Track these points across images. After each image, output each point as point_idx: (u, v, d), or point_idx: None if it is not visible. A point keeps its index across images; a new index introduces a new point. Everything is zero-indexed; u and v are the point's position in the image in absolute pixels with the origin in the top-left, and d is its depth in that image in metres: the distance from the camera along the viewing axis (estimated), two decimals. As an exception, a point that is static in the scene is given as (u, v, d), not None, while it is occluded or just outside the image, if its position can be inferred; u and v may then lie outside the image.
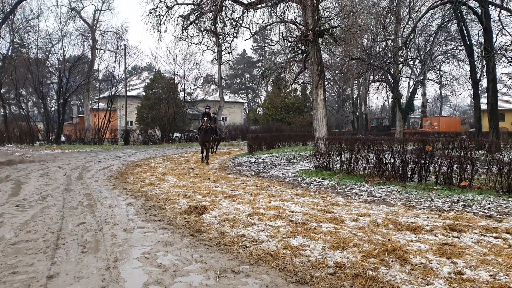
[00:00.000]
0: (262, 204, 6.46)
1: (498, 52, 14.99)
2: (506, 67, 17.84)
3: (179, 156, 17.40)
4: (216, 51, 24.58)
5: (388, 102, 42.94)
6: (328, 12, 14.52)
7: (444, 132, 33.41)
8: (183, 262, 3.91)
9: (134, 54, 41.57)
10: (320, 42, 13.75)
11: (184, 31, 15.44)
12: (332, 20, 14.76)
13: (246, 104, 57.11)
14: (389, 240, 4.41)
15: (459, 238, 4.55)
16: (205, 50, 27.89)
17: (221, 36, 16.40)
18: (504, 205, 6.14)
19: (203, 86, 39.14)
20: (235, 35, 15.68)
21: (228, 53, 17.44)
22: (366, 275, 3.42)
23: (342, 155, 10.10)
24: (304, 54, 15.26)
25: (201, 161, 14.13)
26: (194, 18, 15.27)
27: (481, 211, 5.95)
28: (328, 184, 8.85)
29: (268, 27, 15.19)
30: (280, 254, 4.05)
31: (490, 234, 4.65)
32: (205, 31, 15.49)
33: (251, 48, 61.06)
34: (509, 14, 15.02)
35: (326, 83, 39.39)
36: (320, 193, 7.80)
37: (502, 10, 14.59)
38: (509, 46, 14.21)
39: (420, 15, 16.17)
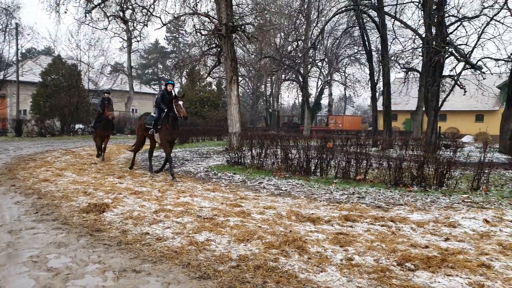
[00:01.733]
0: (170, 201, 6.32)
1: (392, 58, 16.73)
2: (399, 72, 20.22)
3: (81, 150, 16.11)
4: (125, 38, 23.25)
5: (298, 100, 45.23)
6: (242, 9, 14.69)
7: (347, 130, 36.25)
8: (78, 264, 3.64)
9: (28, 35, 37.15)
10: (233, 37, 13.85)
11: (87, 14, 14.26)
12: (246, 17, 14.97)
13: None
14: (290, 231, 4.64)
15: (352, 227, 4.98)
16: (113, 37, 26.31)
17: (130, 23, 15.56)
18: (391, 196, 6.89)
19: (110, 75, 36.80)
20: (145, 23, 15.01)
21: (138, 41, 16.64)
22: (267, 266, 3.56)
23: (253, 150, 10.36)
24: (219, 49, 15.26)
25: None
26: (100, 1, 14.21)
27: (372, 202, 6.59)
28: (239, 178, 9.00)
29: (182, 17, 14.83)
30: (185, 250, 4.01)
31: (378, 223, 5.17)
32: (111, 16, 14.52)
33: (164, 38, 59.10)
34: (402, 26, 16.83)
35: (241, 79, 40.07)
36: (231, 188, 7.90)
37: (396, 21, 16.32)
38: (401, 54, 15.95)
39: (328, 19, 17.29)
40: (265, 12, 15.19)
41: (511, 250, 4.08)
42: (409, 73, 19.33)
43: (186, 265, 3.63)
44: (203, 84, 34.79)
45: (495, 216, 5.44)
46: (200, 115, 33.18)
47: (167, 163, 9.28)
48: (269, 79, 39.41)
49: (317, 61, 23.11)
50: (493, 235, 4.68)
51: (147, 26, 15.15)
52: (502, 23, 13.99)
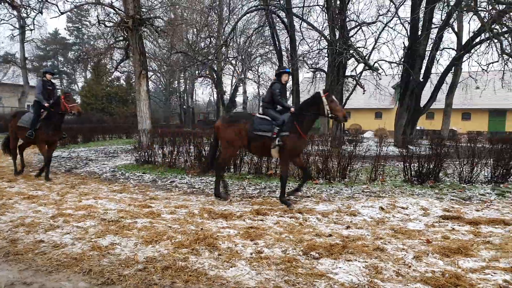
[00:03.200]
0: (71, 204, 5.80)
1: (300, 58, 17.55)
2: (308, 72, 21.48)
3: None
4: (17, 26, 20.76)
5: (213, 97, 45.10)
6: (151, 1, 14.11)
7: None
8: (-48, 283, 3.13)
9: None
10: (142, 31, 13.23)
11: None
12: (156, 10, 14.41)
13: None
14: (202, 229, 4.57)
15: (263, 221, 5.09)
16: (1, 23, 23.11)
17: (22, 9, 13.92)
18: (299, 189, 7.20)
19: (0, 67, 32.61)
20: (40, 10, 13.53)
21: (31, 30, 14.97)
22: (176, 266, 3.45)
23: (165, 148, 10.02)
24: (126, 42, 14.46)
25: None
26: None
27: (282, 195, 6.81)
28: (149, 178, 8.64)
29: (84, 6, 13.72)
30: (86, 256, 3.69)
31: (287, 215, 5.37)
32: (-1, 0, 12.84)
33: (65, 28, 54.11)
34: (309, 28, 17.74)
35: (152, 74, 38.60)
36: (140, 188, 7.54)
37: (303, 23, 17.15)
38: (308, 54, 16.82)
39: (239, 17, 17.47)
40: (176, 6, 14.81)
41: (401, 234, 4.55)
42: (317, 73, 20.46)
43: (87, 272, 3.36)
44: (110, 78, 32.76)
45: (389, 204, 6.01)
46: (107, 111, 31.24)
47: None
48: (183, 75, 38.63)
49: (230, 59, 23.29)
50: (387, 221, 5.17)
51: (41, 13, 13.68)
52: (394, 29, 15.60)
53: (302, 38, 16.15)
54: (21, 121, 8.20)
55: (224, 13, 22.22)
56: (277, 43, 18.38)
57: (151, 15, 13.33)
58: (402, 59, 15.18)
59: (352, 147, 9.07)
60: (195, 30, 22.77)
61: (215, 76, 27.19)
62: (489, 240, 4.27)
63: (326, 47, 15.72)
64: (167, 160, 9.79)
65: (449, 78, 20.43)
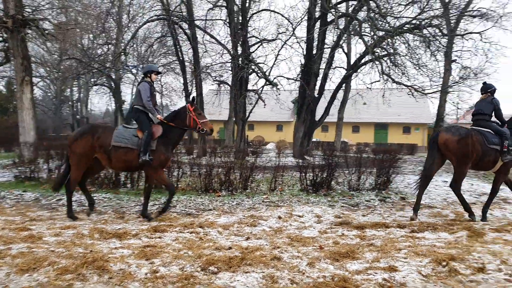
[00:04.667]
0: None
1: (204, 70, 17.59)
2: (212, 84, 21.60)
3: None
4: None
5: (111, 106, 42.45)
6: (38, 2, 12.79)
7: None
8: None
9: None
10: (25, 33, 11.88)
11: None
12: (43, 11, 13.08)
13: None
14: (91, 251, 4.17)
15: (161, 238, 4.85)
16: None
17: None
18: (201, 203, 7.09)
19: None
20: None
21: None
22: (56, 297, 3.06)
23: (50, 163, 9.03)
24: (7, 44, 12.85)
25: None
26: None
27: (183, 210, 6.63)
28: (30, 197, 7.66)
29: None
30: None
31: (187, 230, 5.21)
32: None
33: None
34: (213, 41, 17.90)
35: (40, 80, 34.87)
36: (19, 209, 6.65)
37: (207, 35, 17.26)
38: (211, 66, 16.95)
39: (139, 25, 16.82)
40: (69, 9, 13.67)
41: (297, 241, 4.74)
42: (221, 85, 20.69)
43: None
44: (-13, 84, 28.73)
45: (286, 212, 6.25)
46: (-16, 121, 27.24)
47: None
48: (76, 83, 35.69)
49: (130, 67, 22.26)
50: (284, 230, 5.36)
51: None
52: (292, 47, 16.61)
53: (205, 50, 16.21)
54: (118, 139, 5.83)
55: (124, 21, 21.25)
56: (180, 53, 18.13)
57: (37, 16, 12.04)
58: (299, 76, 16.19)
59: (254, 159, 9.28)
60: (91, 35, 21.28)
61: (113, 85, 25.67)
62: (372, 242, 4.69)
63: (230, 61, 16.02)
64: (53, 177, 8.82)
65: (340, 94, 22.43)
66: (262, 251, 4.27)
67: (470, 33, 18.37)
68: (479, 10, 17.94)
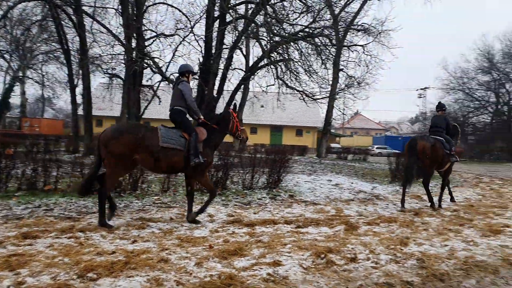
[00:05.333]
0: None
1: (92, 61, 16.25)
2: (103, 77, 19.88)
3: None
4: None
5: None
6: None
7: (46, 134, 32.46)
8: None
9: None
10: None
11: None
12: None
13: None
14: None
15: (31, 245, 4.29)
16: None
17: None
18: (83, 205, 6.50)
19: None
20: None
21: None
22: None
23: None
24: None
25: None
26: None
27: (61, 213, 5.98)
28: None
29: None
30: None
31: (65, 235, 4.70)
32: None
33: None
34: (104, 31, 16.60)
35: None
36: None
37: (96, 24, 15.92)
38: (101, 58, 15.74)
39: (13, 4, 14.69)
40: None
41: (187, 242, 4.64)
42: (113, 79, 19.39)
43: None
44: None
45: (178, 213, 6.11)
46: None
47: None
48: None
49: (2, 52, 19.45)
50: (175, 231, 5.21)
51: None
52: (190, 44, 16.39)
53: (93, 40, 14.96)
54: (166, 140, 5.37)
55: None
56: (64, 41, 16.45)
57: None
58: (197, 74, 16.05)
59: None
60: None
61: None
62: (261, 239, 4.84)
63: (123, 53, 15.09)
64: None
65: (239, 96, 22.92)
66: (149, 254, 4.08)
67: (355, 45, 20.51)
68: (363, 25, 20.17)
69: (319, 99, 16.83)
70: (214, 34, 16.08)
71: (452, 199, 8.76)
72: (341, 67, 20.66)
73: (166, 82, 15.83)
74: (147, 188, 7.91)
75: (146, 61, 14.01)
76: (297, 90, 16.14)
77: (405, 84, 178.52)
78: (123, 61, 15.59)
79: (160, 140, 5.34)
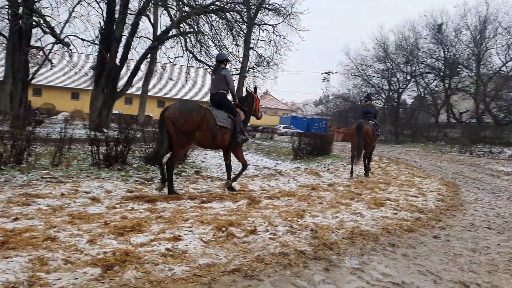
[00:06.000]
0: None
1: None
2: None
3: None
4: None
5: None
6: None
7: None
8: None
9: None
10: None
11: None
12: None
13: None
14: None
15: None
16: None
17: None
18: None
19: None
20: None
21: None
22: None
23: None
24: None
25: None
26: None
27: None
28: None
29: None
30: None
31: None
32: None
33: None
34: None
35: None
36: None
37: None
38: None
39: None
40: None
41: (79, 219, 4.30)
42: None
43: None
44: None
45: (71, 189, 5.62)
46: None
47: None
48: None
49: None
50: (66, 207, 4.79)
51: None
52: (90, 5, 14.84)
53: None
54: (221, 120, 6.24)
55: None
56: None
57: None
58: (98, 39, 14.74)
59: (36, 128, 7.94)
60: None
61: None
62: (161, 215, 4.71)
63: (6, 7, 13.06)
64: None
65: (146, 66, 21.70)
66: (33, 232, 3.68)
67: (266, 24, 20.76)
68: (273, 5, 20.44)
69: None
70: (118, -3, 14.84)
71: (351, 175, 9.98)
72: (251, 45, 20.82)
73: (61, 45, 14.22)
74: (35, 161, 7.10)
75: (34, 18, 12.32)
76: (207, 65, 15.83)
77: (315, 67, 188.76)
78: (6, 16, 13.50)
79: (217, 120, 6.14)
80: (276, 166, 10.31)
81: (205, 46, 15.22)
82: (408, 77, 46.06)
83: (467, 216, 6.35)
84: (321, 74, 69.06)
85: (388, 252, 4.19)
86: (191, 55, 15.25)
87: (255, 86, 7.62)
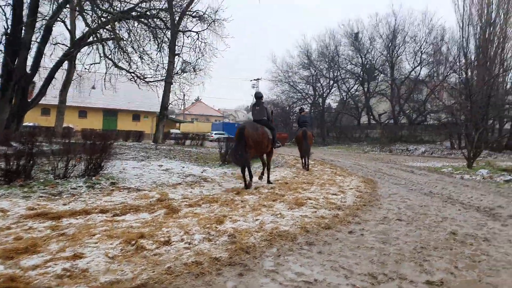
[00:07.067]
0: None
1: None
2: None
3: None
4: None
5: None
6: None
7: None
8: None
9: None
10: None
11: None
12: None
13: None
14: None
15: None
16: None
17: None
18: None
19: None
20: None
21: None
22: None
23: None
24: None
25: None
26: None
27: None
28: None
29: None
30: None
31: None
32: None
33: None
34: None
35: None
36: None
37: None
38: None
39: None
40: None
41: (-39, 244, 3.74)
42: None
43: None
44: None
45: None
46: None
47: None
48: None
49: None
50: None
51: None
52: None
53: None
54: (269, 133, 9.15)
55: None
56: None
57: None
58: (2, 44, 13.40)
59: None
60: None
61: None
62: (65, 232, 4.28)
63: None
64: None
65: (62, 75, 20.20)
66: None
67: (190, 31, 20.46)
68: (197, 12, 20.26)
69: (151, 81, 16.17)
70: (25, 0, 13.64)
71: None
72: (177, 51, 20.39)
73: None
74: None
75: None
76: (127, 71, 15.12)
77: (247, 74, 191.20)
78: None
79: (268, 134, 8.87)
80: (202, 172, 10.10)
81: (125, 53, 14.52)
82: (331, 82, 48.54)
83: (381, 210, 6.70)
84: (251, 81, 70.19)
85: (304, 251, 4.22)
86: (110, 62, 14.45)
87: (272, 110, 10.53)
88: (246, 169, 8.25)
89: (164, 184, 8.03)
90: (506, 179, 13.68)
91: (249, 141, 8.05)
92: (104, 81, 15.98)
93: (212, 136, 41.27)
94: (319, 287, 3.29)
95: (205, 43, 19.87)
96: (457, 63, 30.14)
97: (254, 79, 66.64)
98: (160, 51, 16.92)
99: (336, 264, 3.84)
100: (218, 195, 7.19)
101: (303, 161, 13.42)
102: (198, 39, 19.64)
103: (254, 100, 9.71)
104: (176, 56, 20.48)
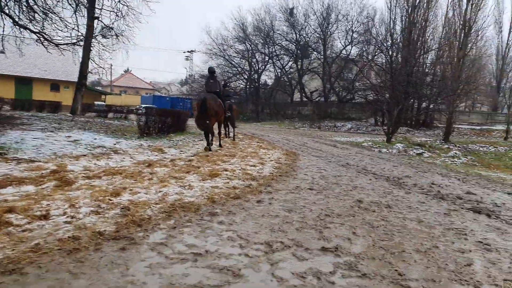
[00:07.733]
0: None
1: None
2: None
3: None
4: None
5: None
6: None
7: None
8: None
9: None
10: None
11: None
12: None
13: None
14: None
15: None
16: None
17: None
18: None
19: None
20: None
21: None
22: None
23: None
24: None
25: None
26: None
27: None
28: None
29: None
30: None
31: None
32: None
33: None
34: None
35: None
36: None
37: None
38: None
39: None
40: None
41: None
42: None
43: None
44: None
45: None
46: None
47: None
48: None
49: None
50: None
51: None
52: None
53: None
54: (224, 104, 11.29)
55: None
56: None
57: None
58: None
59: None
60: None
61: None
62: None
63: None
64: None
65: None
66: None
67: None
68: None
69: (61, 44, 14.53)
70: None
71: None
72: (96, 15, 18.62)
73: None
74: None
75: None
76: (31, 31, 13.35)
77: (182, 46, 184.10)
78: None
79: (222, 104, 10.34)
80: (114, 144, 9.36)
81: (28, 9, 12.75)
82: (266, 58, 48.44)
83: (295, 180, 6.67)
84: (184, 52, 67.65)
85: (204, 222, 3.94)
86: (10, 19, 12.64)
87: (225, 82, 9.77)
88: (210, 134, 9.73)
89: (66, 155, 7.25)
90: (418, 152, 14.70)
91: (211, 111, 9.32)
92: (2, 42, 13.95)
93: (140, 109, 39.31)
94: (208, 259, 3.03)
95: (127, 6, 18.33)
96: (384, 44, 31.47)
97: (188, 51, 64.34)
98: (75, 12, 15.29)
99: (234, 234, 3.62)
100: (125, 167, 6.64)
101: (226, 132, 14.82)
102: (119, 1, 18.03)
103: (208, 74, 10.68)
104: (95, 20, 18.71)
